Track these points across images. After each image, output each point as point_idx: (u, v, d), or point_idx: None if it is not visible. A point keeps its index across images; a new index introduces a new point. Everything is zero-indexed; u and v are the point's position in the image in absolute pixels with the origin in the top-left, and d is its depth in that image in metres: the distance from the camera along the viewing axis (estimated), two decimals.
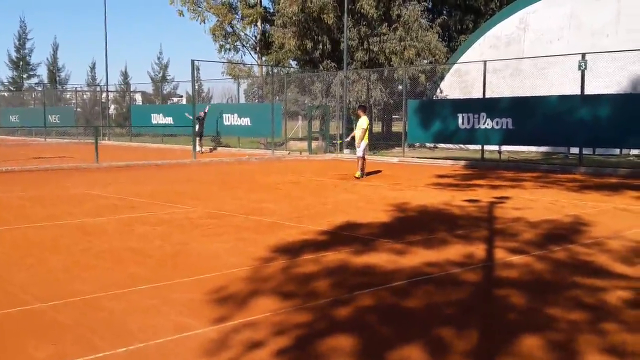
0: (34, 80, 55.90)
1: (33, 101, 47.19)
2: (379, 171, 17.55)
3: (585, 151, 19.94)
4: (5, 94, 53.75)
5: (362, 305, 4.98)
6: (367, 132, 15.81)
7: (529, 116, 19.21)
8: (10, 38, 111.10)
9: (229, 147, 29.64)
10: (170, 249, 7.11)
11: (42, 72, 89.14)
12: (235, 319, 4.60)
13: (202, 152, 25.40)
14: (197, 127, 25.29)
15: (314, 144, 27.16)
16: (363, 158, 15.69)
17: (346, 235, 7.92)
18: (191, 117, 24.22)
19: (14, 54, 55.03)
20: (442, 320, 4.64)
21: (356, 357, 3.90)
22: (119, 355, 3.93)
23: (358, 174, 15.50)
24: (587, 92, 18.27)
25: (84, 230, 8.29)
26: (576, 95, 18.43)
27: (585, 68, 18.22)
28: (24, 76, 55.50)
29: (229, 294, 5.24)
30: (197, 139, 25.39)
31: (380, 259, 6.54)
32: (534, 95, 20.21)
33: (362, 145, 15.59)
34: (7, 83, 55.55)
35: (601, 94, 18.26)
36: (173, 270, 6.11)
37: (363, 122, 15.69)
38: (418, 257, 6.63)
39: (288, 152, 26.42)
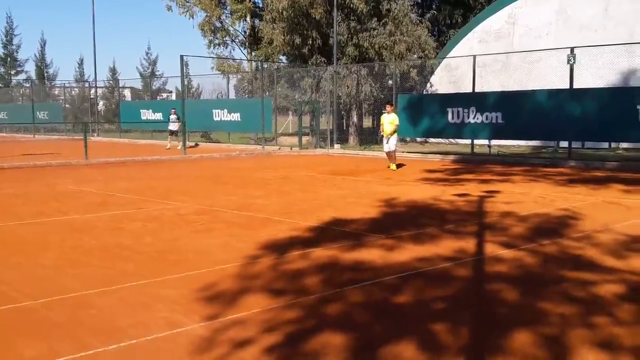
0: (22, 76, 55.59)
1: (21, 97, 46.82)
2: (403, 164, 17.86)
3: (575, 145, 20.04)
4: None
5: (353, 301, 4.98)
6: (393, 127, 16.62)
7: (518, 110, 19.27)
8: None
9: (219, 142, 29.57)
10: (161, 245, 7.09)
11: (30, 68, 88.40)
12: (225, 315, 4.60)
13: (173, 148, 25.29)
14: (177, 125, 25.41)
15: (305, 139, 27.15)
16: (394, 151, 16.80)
17: (336, 230, 7.93)
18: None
19: (1, 51, 54.67)
20: (432, 315, 4.66)
21: (347, 353, 3.90)
22: (110, 352, 3.92)
23: (394, 166, 16.54)
24: (575, 86, 18.35)
25: (74, 227, 8.25)
26: (565, 89, 18.51)
27: (574, 62, 18.29)
28: (12, 72, 55.12)
29: (220, 290, 5.23)
30: (173, 135, 25.73)
31: (371, 254, 6.55)
32: (523, 89, 20.28)
33: (394, 139, 16.64)
34: None
35: (590, 88, 18.35)
36: (163, 266, 6.09)
37: (395, 117, 16.68)
38: (408, 252, 6.64)
39: (278, 147, 26.39)
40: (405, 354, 3.87)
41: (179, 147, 24.73)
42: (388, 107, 16.77)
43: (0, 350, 3.98)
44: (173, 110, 26.29)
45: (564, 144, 20.73)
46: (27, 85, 48.60)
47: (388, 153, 16.78)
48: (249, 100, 31.12)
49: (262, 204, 10.20)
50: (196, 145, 27.34)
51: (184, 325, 4.39)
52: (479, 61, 21.65)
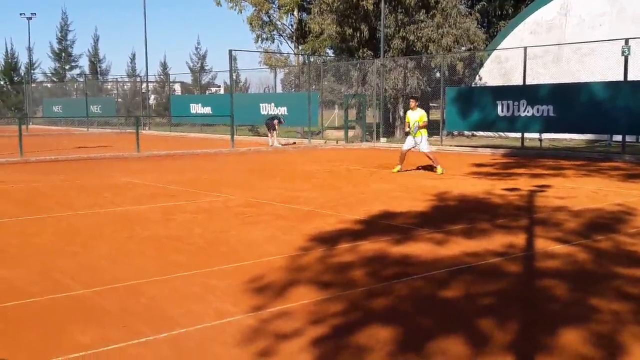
0: (76, 71, 56.93)
1: (75, 92, 48.11)
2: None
3: (629, 139, 19.45)
4: (49, 85, 54.90)
5: (400, 294, 4.96)
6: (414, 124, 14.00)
7: (570, 103, 18.81)
8: (53, 30, 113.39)
9: (267, 136, 29.75)
10: (210, 236, 7.20)
11: (84, 63, 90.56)
12: (273, 306, 4.64)
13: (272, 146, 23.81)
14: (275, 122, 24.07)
15: (351, 133, 27.11)
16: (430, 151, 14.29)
17: (384, 224, 7.90)
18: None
19: (56, 46, 56.13)
20: (481, 310, 4.60)
21: (394, 347, 3.89)
22: (162, 340, 4.01)
23: (440, 169, 13.79)
24: (630, 78, 17.81)
25: (127, 218, 8.45)
26: (619, 81, 17.98)
27: (629, 54, 17.75)
28: (66, 67, 56.54)
29: (268, 281, 5.28)
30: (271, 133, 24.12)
31: (419, 248, 6.51)
32: (575, 81, 19.79)
33: (425, 139, 14.05)
34: (50, 74, 56.74)
35: None
36: (213, 257, 6.18)
37: (423, 114, 14.07)
38: (457, 246, 6.57)
39: (325, 141, 26.43)
40: (452, 349, 3.84)
41: (272, 145, 23.66)
42: (412, 102, 14.18)
43: (56, 336, 4.12)
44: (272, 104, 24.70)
45: (617, 137, 20.15)
46: (81, 79, 49.84)
47: (404, 153, 14.12)
48: (295, 94, 31.24)
49: (308, 197, 10.24)
50: (294, 143, 26.58)
51: (233, 315, 4.45)
52: (530, 53, 21.20)
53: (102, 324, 4.30)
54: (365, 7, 26.61)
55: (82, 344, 3.94)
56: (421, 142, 14.03)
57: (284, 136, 29.14)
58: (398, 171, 14.09)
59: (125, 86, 47.95)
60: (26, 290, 5.10)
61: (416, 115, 14.00)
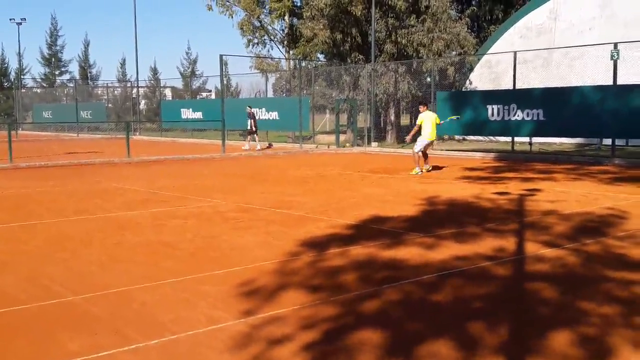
0: (66, 76, 56.86)
1: (65, 97, 47.94)
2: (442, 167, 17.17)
3: (618, 142, 19.58)
4: (38, 91, 54.70)
5: (390, 299, 4.97)
6: (423, 128, 14.93)
7: (560, 107, 18.93)
8: (43, 35, 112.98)
9: (254, 140, 29.76)
10: (201, 242, 7.19)
11: (74, 68, 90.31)
12: (264, 312, 4.64)
13: (252, 149, 24.00)
14: (251, 122, 24.00)
15: (342, 137, 27.14)
16: (421, 153, 15.00)
17: (374, 228, 7.91)
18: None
19: (46, 51, 55.98)
20: (471, 314, 4.61)
21: (384, 351, 3.90)
22: (152, 346, 4.00)
23: (415, 170, 14.63)
24: (619, 82, 17.93)
25: (117, 224, 8.42)
26: (608, 85, 18.11)
27: (618, 58, 17.89)
28: (56, 73, 56.41)
29: (259, 287, 5.28)
30: (251, 135, 24.27)
31: (409, 252, 6.52)
32: (565, 85, 19.91)
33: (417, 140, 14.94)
34: (39, 80, 56.54)
35: (634, 84, 17.89)
36: (204, 263, 6.17)
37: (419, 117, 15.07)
38: (447, 250, 6.59)
39: (316, 145, 26.45)
40: (442, 352, 3.85)
41: (257, 147, 23.94)
42: (420, 108, 15.44)
43: (45, 344, 4.10)
44: (248, 107, 24.83)
45: (607, 141, 20.29)
46: (71, 85, 49.70)
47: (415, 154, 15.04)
48: (286, 99, 31.25)
49: (300, 202, 10.24)
50: (270, 145, 26.81)
51: (224, 321, 4.44)
52: (520, 57, 21.32)
53: (92, 331, 4.28)
54: (355, 13, 26.69)
55: (72, 351, 3.93)
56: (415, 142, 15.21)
57: (276, 140, 29.18)
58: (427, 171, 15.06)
59: (115, 91, 47.85)
60: (15, 297, 5.07)
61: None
